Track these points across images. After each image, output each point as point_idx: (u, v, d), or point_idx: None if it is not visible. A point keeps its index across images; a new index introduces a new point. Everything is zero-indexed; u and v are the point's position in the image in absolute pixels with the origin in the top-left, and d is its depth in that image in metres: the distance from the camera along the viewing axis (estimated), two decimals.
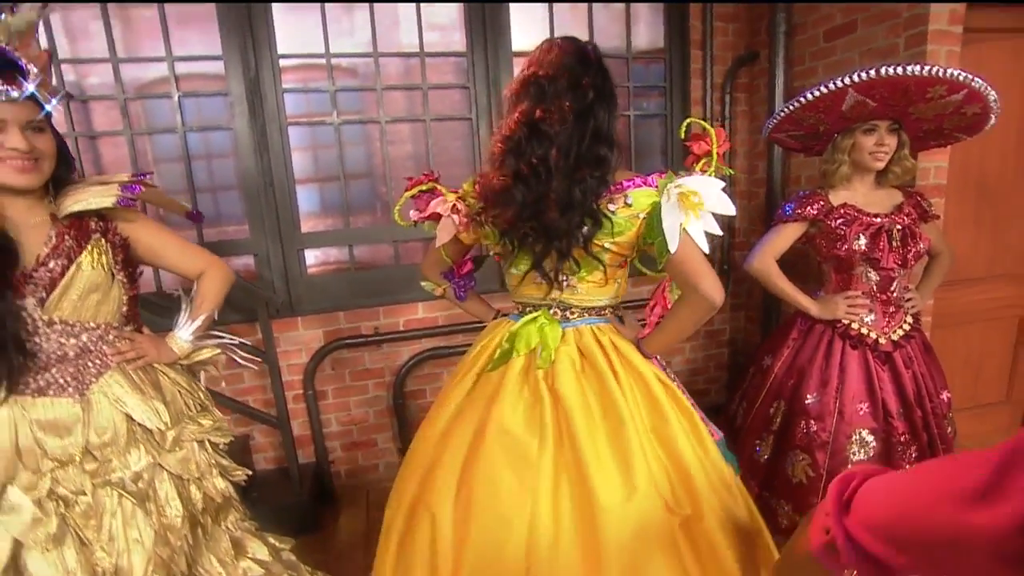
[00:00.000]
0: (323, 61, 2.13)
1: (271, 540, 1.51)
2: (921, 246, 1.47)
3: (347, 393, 2.36)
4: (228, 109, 2.06)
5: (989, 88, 1.32)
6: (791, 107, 1.45)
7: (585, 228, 1.01)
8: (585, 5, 2.36)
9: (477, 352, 1.21)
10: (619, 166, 1.04)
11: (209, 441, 1.31)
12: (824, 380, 1.48)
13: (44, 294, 1.05)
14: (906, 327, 1.50)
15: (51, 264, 1.05)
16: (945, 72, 1.26)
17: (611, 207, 1.02)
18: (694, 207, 0.96)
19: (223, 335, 1.36)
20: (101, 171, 2.07)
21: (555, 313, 1.14)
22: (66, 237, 1.07)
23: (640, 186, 1.02)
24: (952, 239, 1.87)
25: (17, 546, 1.05)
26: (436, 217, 1.26)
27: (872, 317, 1.49)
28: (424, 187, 1.30)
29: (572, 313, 1.13)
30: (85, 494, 1.11)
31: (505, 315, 1.29)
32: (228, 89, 2.03)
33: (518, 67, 2.27)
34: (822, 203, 1.50)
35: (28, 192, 1.06)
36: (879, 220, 1.46)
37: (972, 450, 0.40)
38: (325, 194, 2.32)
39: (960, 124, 1.45)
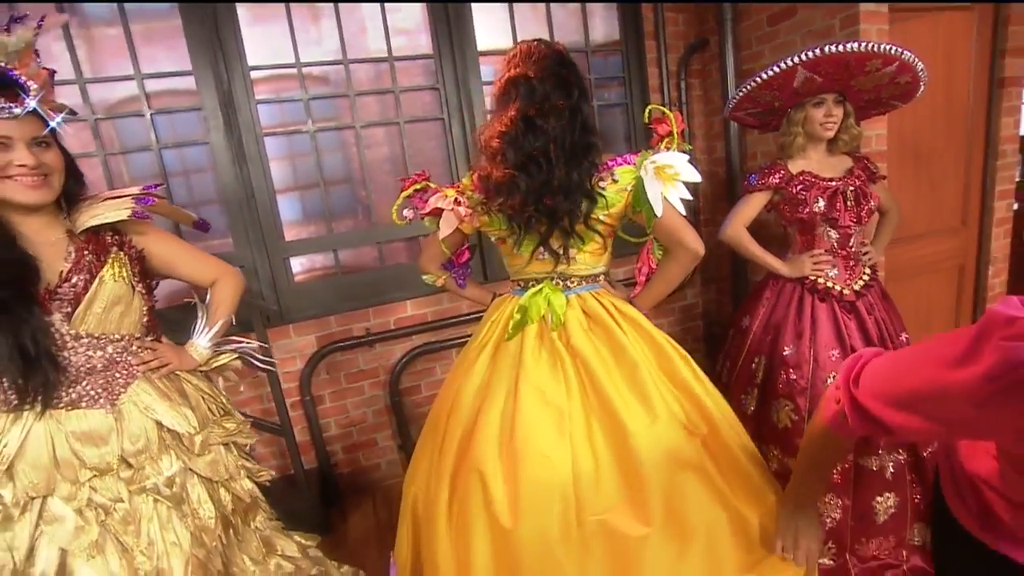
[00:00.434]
0: (294, 71, 2.16)
1: (297, 538, 1.55)
2: (872, 204, 1.63)
3: (344, 396, 2.39)
4: (202, 124, 2.07)
5: (916, 59, 1.48)
6: (749, 86, 1.59)
7: (584, 206, 1.16)
8: (543, 5, 2.47)
9: (489, 328, 1.30)
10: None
11: (235, 444, 1.35)
12: (798, 332, 1.63)
13: (70, 309, 1.07)
14: (865, 278, 1.67)
15: (74, 279, 1.08)
16: (878, 47, 1.42)
17: (602, 184, 1.17)
18: (669, 178, 1.14)
19: (240, 340, 1.39)
20: None
21: (557, 284, 1.27)
22: (85, 252, 1.10)
23: (622, 164, 1.19)
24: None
25: (63, 555, 1.07)
26: (437, 212, 1.35)
27: (835, 271, 1.65)
28: (418, 186, 1.39)
29: (572, 282, 1.27)
30: (123, 501, 1.14)
31: (501, 295, 1.40)
32: (202, 103, 2.04)
33: (485, 66, 2.38)
34: (782, 172, 1.65)
35: (42, 209, 1.08)
36: (834, 184, 1.62)
37: (954, 330, 0.52)
38: (306, 202, 2.35)
39: (895, 93, 1.62)
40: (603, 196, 1.16)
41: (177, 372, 1.27)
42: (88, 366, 1.11)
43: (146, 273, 1.21)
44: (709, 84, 2.71)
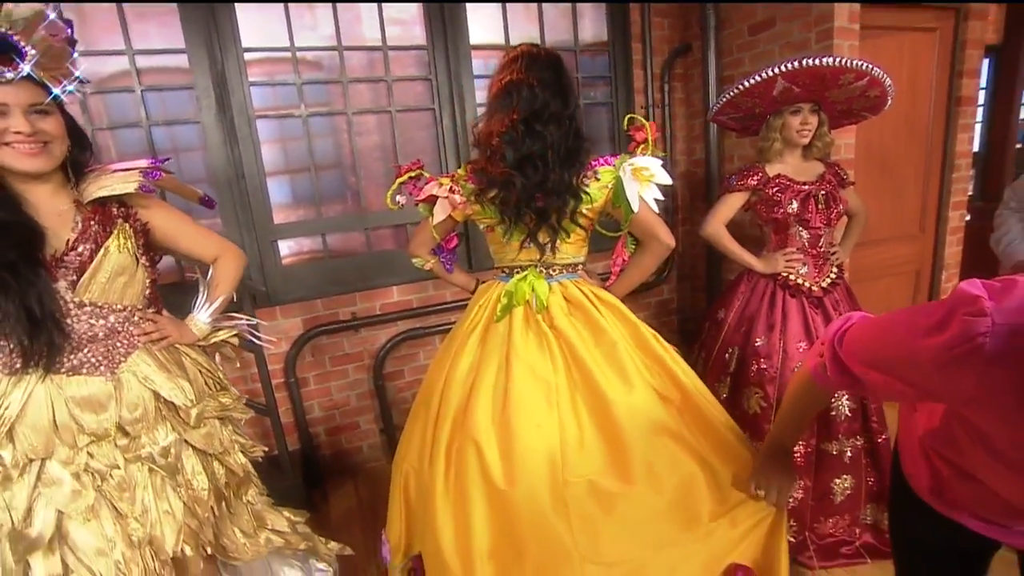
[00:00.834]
0: (288, 54, 2.17)
1: (287, 514, 1.58)
2: (841, 207, 1.75)
3: (328, 379, 2.42)
4: (194, 103, 2.07)
5: (885, 75, 1.60)
6: (732, 93, 1.69)
7: (571, 204, 1.27)
8: (535, 4, 2.53)
9: (477, 311, 1.38)
10: None
11: (230, 418, 1.38)
12: (770, 325, 1.74)
13: (75, 277, 1.09)
14: (832, 276, 1.79)
15: (80, 248, 1.09)
16: (852, 62, 1.53)
17: (586, 182, 1.29)
18: (645, 179, 1.27)
19: (240, 317, 1.42)
20: None
21: (541, 271, 1.36)
22: (92, 222, 1.11)
23: (604, 164, 1.32)
24: None
25: (60, 517, 1.09)
26: (431, 200, 1.41)
27: (806, 269, 1.76)
28: (412, 174, 1.45)
29: (554, 270, 1.37)
30: (119, 468, 1.15)
31: (484, 282, 1.49)
32: (194, 83, 2.04)
33: (477, 60, 2.43)
34: (760, 174, 1.75)
35: (48, 178, 1.09)
36: (807, 187, 1.73)
37: (929, 303, 0.61)
38: (296, 185, 2.36)
39: (866, 105, 1.74)
40: (587, 193, 1.28)
41: (176, 345, 1.29)
42: (90, 334, 1.12)
43: (150, 246, 1.23)
44: (691, 88, 2.81)
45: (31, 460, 1.08)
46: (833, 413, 1.68)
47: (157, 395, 1.21)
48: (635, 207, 1.27)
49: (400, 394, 2.56)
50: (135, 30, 1.97)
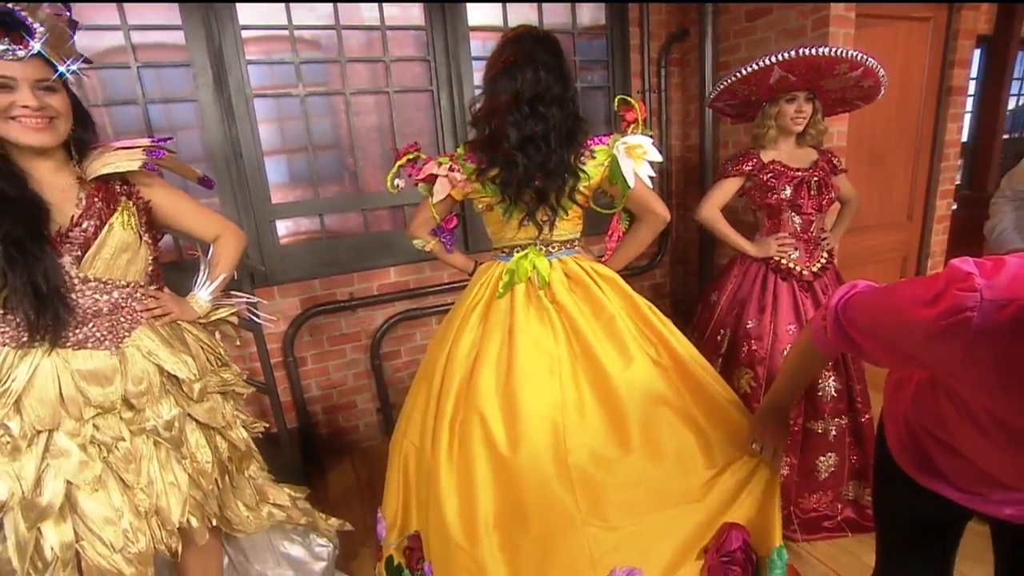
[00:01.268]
0: (286, 33, 2.16)
1: (287, 490, 1.61)
2: (833, 194, 1.79)
3: (326, 358, 2.44)
4: (191, 80, 2.05)
5: (879, 66, 1.63)
6: (729, 80, 1.71)
7: (569, 183, 1.31)
8: None
9: (478, 290, 1.41)
10: None
11: (232, 393, 1.41)
12: (761, 307, 1.79)
13: (79, 252, 1.10)
14: (822, 261, 1.83)
15: (85, 224, 1.10)
16: (847, 53, 1.56)
17: (583, 161, 1.33)
18: (638, 156, 1.33)
19: (240, 295, 1.44)
20: None
21: (540, 249, 1.40)
22: (96, 199, 1.12)
23: (599, 143, 1.36)
24: None
25: (69, 487, 1.12)
26: (431, 179, 1.42)
27: (797, 254, 1.81)
28: (410, 156, 1.47)
29: (553, 247, 1.41)
30: (124, 440, 1.18)
31: (483, 263, 1.52)
32: (191, 59, 2.02)
33: (475, 41, 2.43)
34: (755, 160, 1.78)
35: (51, 154, 1.10)
36: (800, 173, 1.77)
37: (927, 276, 0.65)
38: (293, 165, 2.36)
39: (859, 94, 1.77)
40: (584, 172, 1.33)
41: (178, 322, 1.30)
42: (94, 309, 1.14)
43: (152, 224, 1.24)
44: (688, 73, 2.83)
45: (38, 432, 1.10)
46: (820, 393, 1.74)
47: (161, 369, 1.23)
48: (631, 183, 1.32)
49: (397, 374, 2.59)
50: (130, 6, 1.94)
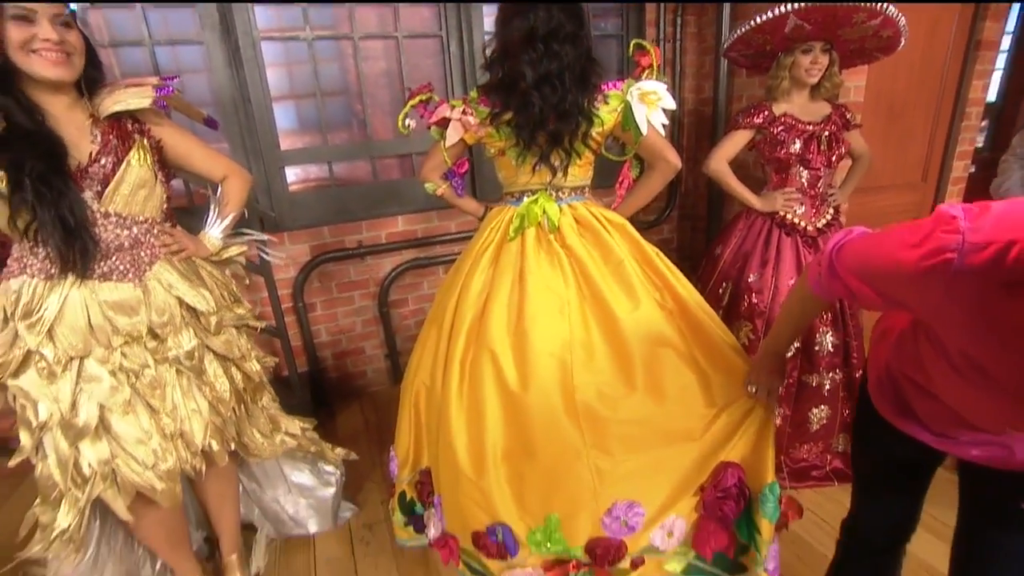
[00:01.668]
0: None
1: (297, 421, 1.70)
2: (843, 150, 1.77)
3: (334, 305, 2.51)
4: (197, 21, 2.03)
5: (899, 15, 1.58)
6: (743, 29, 1.67)
7: (583, 127, 1.30)
8: None
9: (489, 233, 1.43)
10: None
11: (246, 327, 1.47)
12: (763, 261, 1.80)
13: (100, 188, 1.14)
14: (828, 217, 1.83)
15: (103, 160, 1.14)
16: (864, 1, 1.51)
17: (596, 106, 1.32)
18: (652, 103, 1.33)
19: (251, 232, 1.48)
20: None
21: (551, 194, 1.41)
22: (111, 136, 1.15)
23: (612, 88, 1.36)
24: None
25: (102, 410, 1.20)
26: (443, 122, 1.42)
27: (803, 209, 1.81)
28: (423, 96, 1.46)
29: (564, 193, 1.42)
30: (149, 367, 1.25)
31: (493, 207, 1.53)
32: None
33: None
34: (767, 113, 1.76)
35: (66, 90, 1.12)
36: (811, 128, 1.75)
37: (915, 220, 0.67)
38: (301, 111, 2.36)
39: (879, 45, 1.72)
40: (598, 116, 1.33)
41: (193, 258, 1.35)
42: (117, 243, 1.18)
43: (163, 163, 1.27)
44: (704, 22, 2.74)
45: (71, 358, 1.17)
46: (816, 347, 1.77)
47: (181, 302, 1.29)
48: (644, 130, 1.33)
49: (404, 321, 2.65)
50: None
